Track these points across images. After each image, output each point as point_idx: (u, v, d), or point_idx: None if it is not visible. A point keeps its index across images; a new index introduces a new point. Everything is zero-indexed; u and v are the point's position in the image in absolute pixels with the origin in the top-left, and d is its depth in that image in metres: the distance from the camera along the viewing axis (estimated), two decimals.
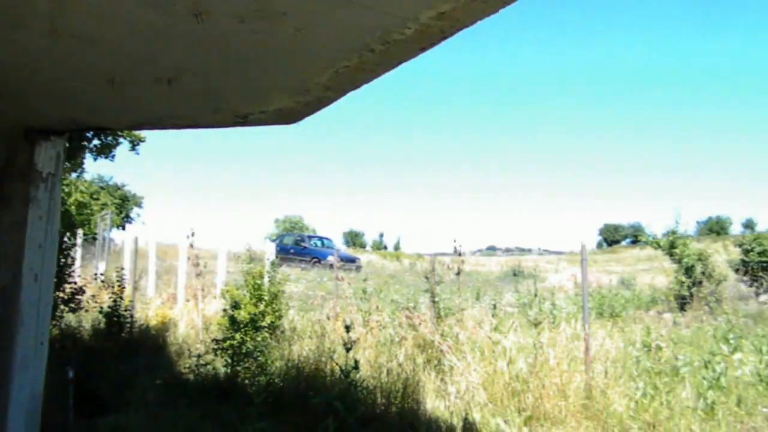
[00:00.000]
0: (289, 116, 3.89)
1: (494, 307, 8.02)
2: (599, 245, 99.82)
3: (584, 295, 6.71)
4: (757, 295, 14.10)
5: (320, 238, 29.84)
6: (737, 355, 8.27)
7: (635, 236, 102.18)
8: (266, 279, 9.01)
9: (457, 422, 6.07)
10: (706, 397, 6.49)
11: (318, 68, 3.18)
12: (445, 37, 3.11)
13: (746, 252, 15.51)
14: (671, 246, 13.40)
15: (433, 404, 6.39)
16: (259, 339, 7.90)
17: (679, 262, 13.21)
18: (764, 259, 15.03)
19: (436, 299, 7.66)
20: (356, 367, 6.30)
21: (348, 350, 6.25)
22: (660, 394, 6.38)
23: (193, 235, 10.19)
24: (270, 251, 10.20)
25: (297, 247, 26.71)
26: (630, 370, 6.82)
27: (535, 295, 9.48)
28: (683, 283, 12.88)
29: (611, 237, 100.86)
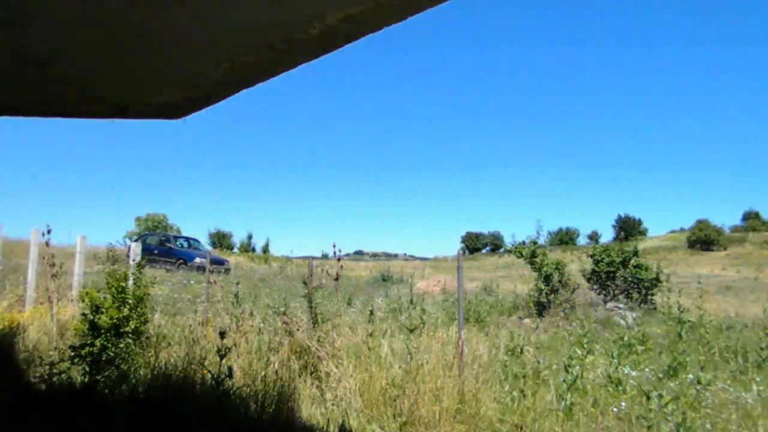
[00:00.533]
0: (174, 111, 3.66)
1: (371, 312, 8.06)
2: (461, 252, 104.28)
3: (459, 301, 6.91)
4: (605, 302, 15.33)
5: (187, 239, 28.62)
6: (590, 358, 8.92)
7: (495, 244, 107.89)
8: (131, 281, 8.47)
9: (334, 429, 6.02)
10: (565, 398, 6.91)
11: (212, 62, 3.02)
12: (349, 41, 3.05)
13: (596, 262, 16.83)
14: (532, 255, 14.24)
15: (309, 411, 6.29)
16: (122, 345, 7.40)
17: (539, 270, 14.07)
18: (612, 269, 16.39)
19: (313, 304, 7.57)
20: (230, 374, 6.07)
21: (222, 357, 6.00)
22: (526, 396, 6.71)
23: (49, 232, 9.37)
24: (135, 251, 9.59)
25: (161, 247, 25.44)
26: (498, 374, 7.11)
27: (411, 301, 9.63)
28: (542, 290, 13.73)
29: (472, 245, 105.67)
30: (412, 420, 6.07)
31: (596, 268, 16.57)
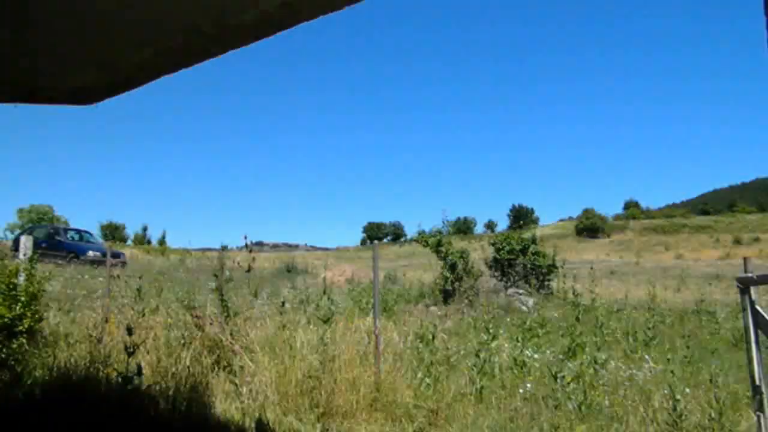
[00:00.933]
0: (89, 96, 3.45)
1: (282, 304, 7.96)
2: (363, 242, 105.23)
3: (375, 292, 6.97)
4: (506, 288, 15.97)
5: (78, 231, 27.01)
6: (496, 343, 9.25)
7: (396, 234, 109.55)
8: (22, 277, 7.91)
9: (250, 423, 5.91)
10: (476, 382, 7.15)
11: (135, 44, 2.86)
12: (282, 28, 2.99)
13: (498, 250, 17.47)
14: (438, 244, 14.58)
15: (224, 407, 6.15)
16: (15, 346, 6.93)
17: (444, 259, 14.43)
18: (512, 256, 17.09)
19: (225, 297, 7.38)
20: (139, 372, 5.83)
21: (130, 354, 5.74)
22: (440, 382, 6.88)
23: None
24: (26, 245, 8.95)
25: (50, 240, 23.87)
26: (411, 362, 7.24)
27: (324, 291, 9.58)
28: (448, 278, 14.10)
29: (374, 234, 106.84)
30: (329, 411, 6.08)
31: (498, 256, 17.22)
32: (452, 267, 14.18)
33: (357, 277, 24.30)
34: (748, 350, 4.92)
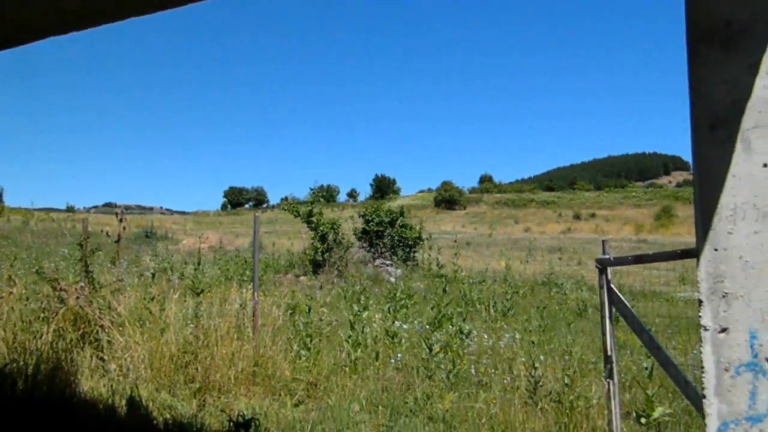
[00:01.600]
0: None
1: (153, 275, 7.63)
2: (224, 207, 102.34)
3: (255, 263, 6.87)
4: (374, 259, 16.32)
5: None
6: (366, 314, 9.48)
7: (258, 200, 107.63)
8: None
9: (120, 401, 5.67)
10: (350, 353, 7.33)
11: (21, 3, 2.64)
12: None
13: (367, 222, 17.76)
14: (309, 214, 14.55)
15: (91, 384, 5.83)
16: None
17: (316, 229, 14.45)
18: (381, 228, 17.45)
19: (90, 268, 6.94)
20: None
21: None
22: (316, 355, 6.97)
23: None
24: None
25: None
26: (288, 334, 7.26)
27: (199, 262, 9.24)
28: (318, 248, 14.15)
29: (235, 199, 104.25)
30: (206, 386, 5.97)
31: (367, 228, 17.51)
32: (323, 237, 14.24)
33: (221, 244, 23.68)
34: (603, 324, 5.45)
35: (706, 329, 1.57)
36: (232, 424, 4.61)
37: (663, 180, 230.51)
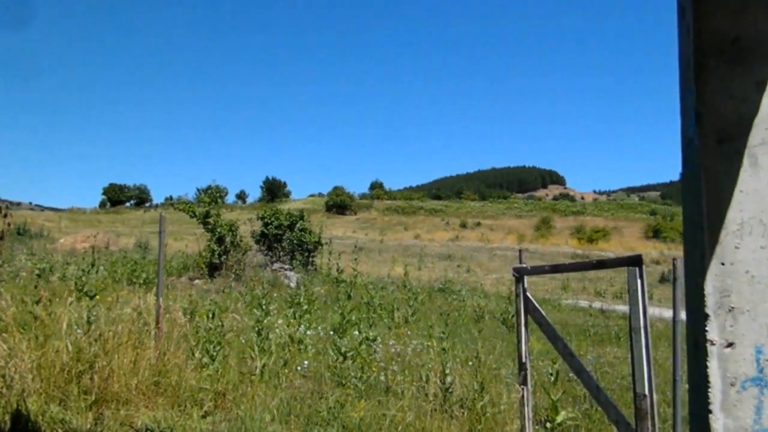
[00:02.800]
0: None
1: (39, 276, 6.98)
2: (102, 204, 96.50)
3: (160, 266, 6.45)
4: (273, 263, 15.92)
5: None
6: (269, 319, 9.20)
7: (140, 198, 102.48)
8: None
9: (3, 416, 5.11)
10: (257, 361, 7.04)
11: None
12: None
13: (266, 225, 17.31)
14: (206, 216, 13.94)
15: None
16: None
17: (213, 231, 13.86)
18: (280, 231, 17.06)
19: None
20: None
21: None
22: (223, 363, 6.63)
23: None
24: None
25: None
26: (191, 341, 6.86)
27: (94, 264, 8.55)
28: (215, 251, 13.58)
29: (116, 197, 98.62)
30: (104, 397, 5.51)
31: (265, 231, 17.06)
32: (220, 240, 13.70)
33: (103, 243, 22.28)
34: (518, 331, 5.58)
35: (712, 344, 1.57)
36: None
37: (541, 192, 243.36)
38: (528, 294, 5.54)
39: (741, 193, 1.57)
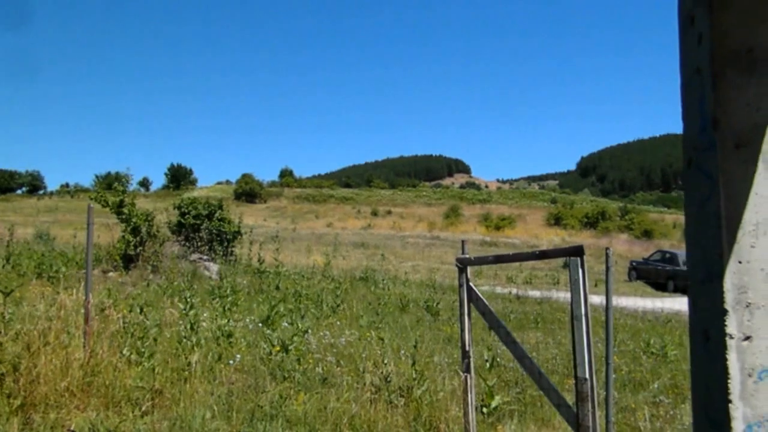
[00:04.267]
0: None
1: None
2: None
3: (88, 257, 6.10)
4: (191, 254, 15.39)
5: None
6: (193, 312, 8.93)
7: (33, 185, 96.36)
8: None
9: None
10: (188, 355, 6.81)
11: None
12: None
13: (183, 214, 16.68)
14: (120, 205, 13.24)
15: None
16: None
17: (127, 221, 13.19)
18: (198, 221, 16.50)
19: None
20: None
21: None
22: (150, 358, 6.36)
23: None
24: None
25: None
26: (120, 338, 6.55)
27: (8, 259, 7.94)
28: (130, 242, 12.94)
29: (5, 184, 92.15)
30: (31, 401, 5.17)
31: (183, 221, 16.46)
32: (135, 230, 13.07)
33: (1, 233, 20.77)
34: (461, 320, 5.69)
35: (731, 337, 1.67)
36: None
37: (447, 181, 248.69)
38: (471, 284, 5.66)
39: (756, 196, 1.67)
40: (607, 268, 5.40)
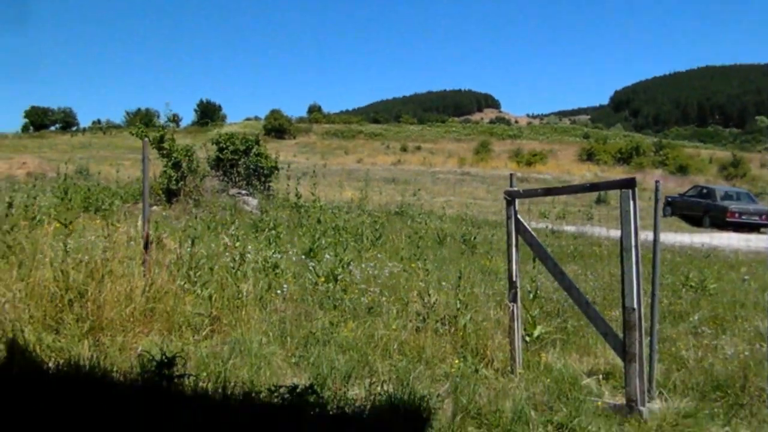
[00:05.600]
0: None
1: (9, 205, 6.70)
2: (25, 128, 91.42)
3: (145, 188, 6.28)
4: (230, 188, 15.66)
5: None
6: (238, 244, 9.16)
7: (66, 122, 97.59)
8: None
9: None
10: (240, 285, 7.04)
11: None
12: None
13: (221, 150, 16.89)
14: (161, 140, 13.46)
15: None
16: None
17: (168, 156, 13.44)
18: (235, 157, 16.70)
19: None
20: None
21: None
22: (203, 286, 6.59)
23: None
24: None
25: None
26: (179, 267, 6.78)
27: (66, 192, 8.22)
28: (172, 177, 13.22)
29: (39, 121, 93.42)
30: (98, 325, 5.46)
31: (221, 156, 16.68)
32: (176, 165, 13.32)
33: (40, 170, 21.31)
34: (509, 252, 5.80)
35: None
36: (154, 363, 4.27)
37: (476, 116, 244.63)
38: (519, 216, 5.73)
39: None
40: (656, 200, 5.40)
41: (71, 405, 3.94)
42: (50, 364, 4.91)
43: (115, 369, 4.81)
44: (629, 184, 4.96)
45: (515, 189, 5.75)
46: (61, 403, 3.99)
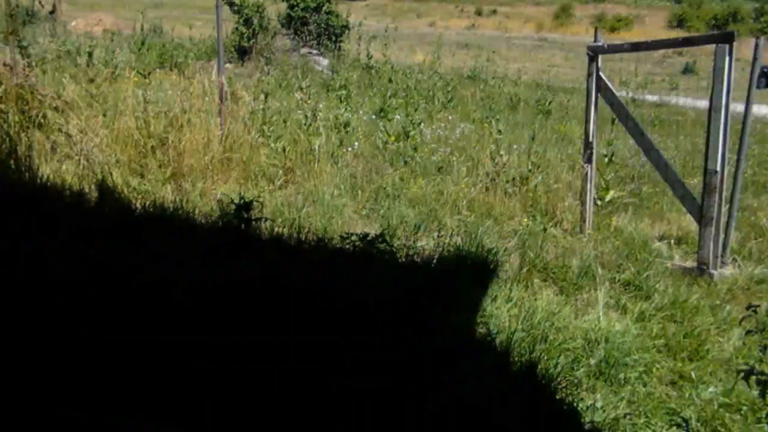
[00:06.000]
0: None
1: (90, 55, 6.86)
2: None
3: (219, 44, 6.30)
4: (301, 47, 15.47)
5: None
6: (310, 102, 9.16)
7: None
8: None
9: (89, 186, 5.32)
10: (311, 140, 7.13)
11: None
12: None
13: (292, 7, 16.49)
14: None
15: (52, 168, 5.39)
16: None
17: (239, 12, 13.26)
18: (306, 15, 16.31)
19: (24, 42, 6.08)
20: None
21: None
22: (276, 140, 6.71)
23: None
24: None
25: None
26: (254, 120, 6.89)
27: (143, 43, 8.34)
28: (244, 34, 13.12)
29: None
30: (179, 171, 5.72)
31: (291, 14, 16.32)
32: (247, 21, 13.17)
33: (115, 27, 21.53)
34: (587, 110, 5.58)
35: None
36: (233, 205, 4.46)
37: None
38: (601, 74, 5.45)
39: None
40: (755, 58, 5.00)
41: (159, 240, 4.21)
42: (137, 205, 5.21)
43: (197, 212, 5.06)
44: (728, 38, 4.59)
45: (599, 44, 5.42)
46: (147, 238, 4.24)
